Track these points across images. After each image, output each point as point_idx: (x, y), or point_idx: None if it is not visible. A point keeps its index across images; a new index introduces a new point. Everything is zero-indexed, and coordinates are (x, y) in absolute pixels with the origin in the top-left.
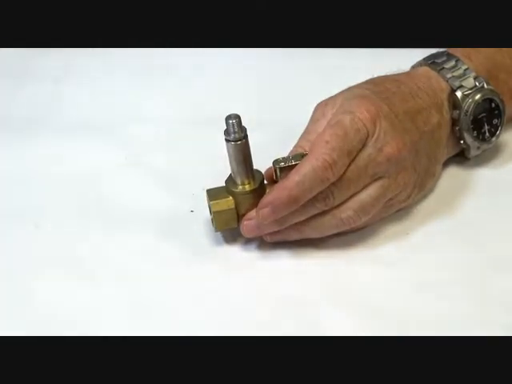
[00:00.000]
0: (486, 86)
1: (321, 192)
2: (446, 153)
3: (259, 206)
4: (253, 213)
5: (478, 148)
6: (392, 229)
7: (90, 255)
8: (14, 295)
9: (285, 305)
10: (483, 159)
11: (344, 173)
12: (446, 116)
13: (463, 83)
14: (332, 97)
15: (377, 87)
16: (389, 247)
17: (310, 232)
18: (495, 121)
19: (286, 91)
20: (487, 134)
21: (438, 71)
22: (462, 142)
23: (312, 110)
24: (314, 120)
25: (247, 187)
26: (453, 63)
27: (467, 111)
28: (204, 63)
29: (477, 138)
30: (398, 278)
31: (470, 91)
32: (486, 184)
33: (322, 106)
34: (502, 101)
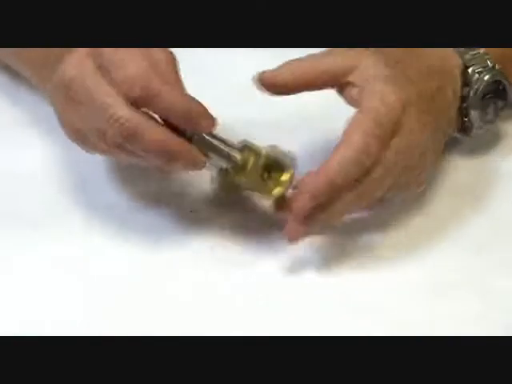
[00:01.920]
0: (497, 66)
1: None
2: (449, 133)
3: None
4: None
5: (481, 128)
6: (392, 228)
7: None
8: None
9: (284, 305)
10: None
11: (386, 164)
12: (457, 93)
13: (476, 61)
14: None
15: (404, 64)
16: (389, 247)
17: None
18: (500, 103)
19: None
20: (491, 114)
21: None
22: (466, 119)
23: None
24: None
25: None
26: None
27: (477, 89)
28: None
29: (481, 117)
30: (398, 278)
31: (482, 69)
32: (485, 183)
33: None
34: (510, 83)
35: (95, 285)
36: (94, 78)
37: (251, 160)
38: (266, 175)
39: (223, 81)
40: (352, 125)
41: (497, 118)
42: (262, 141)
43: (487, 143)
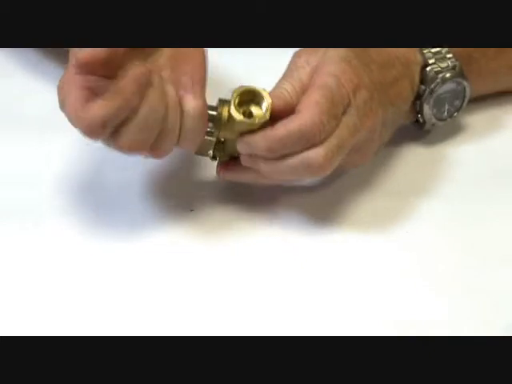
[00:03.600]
0: (457, 67)
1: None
2: (401, 122)
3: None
4: None
5: (433, 125)
6: (391, 227)
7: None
8: None
9: (284, 305)
10: (481, 158)
11: (338, 143)
12: (414, 89)
13: (437, 60)
14: (316, 49)
15: (364, 53)
16: (388, 247)
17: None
18: (457, 102)
19: None
20: (446, 113)
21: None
22: (419, 115)
23: None
24: (297, 66)
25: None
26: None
27: (433, 89)
28: None
29: (434, 116)
30: (398, 278)
31: (440, 69)
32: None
33: (306, 54)
34: (469, 84)
35: (95, 284)
36: None
37: (226, 107)
38: (246, 112)
39: (224, 81)
40: (306, 101)
41: (454, 115)
42: None
43: (447, 133)
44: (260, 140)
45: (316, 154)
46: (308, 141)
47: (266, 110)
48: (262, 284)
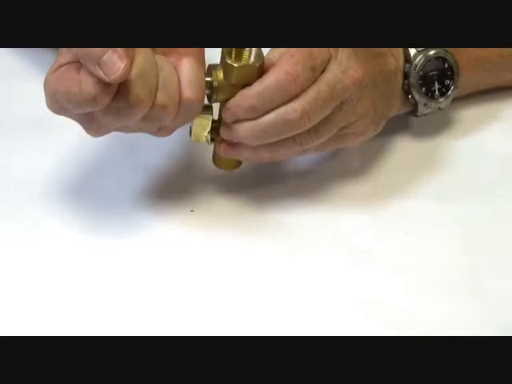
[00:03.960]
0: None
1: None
2: (397, 105)
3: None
4: None
5: (426, 105)
6: (391, 228)
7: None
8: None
9: (284, 305)
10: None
11: (316, 96)
12: (401, 66)
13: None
14: None
15: None
16: (388, 247)
17: (265, 151)
18: (447, 81)
19: None
20: (437, 92)
21: None
22: (410, 96)
23: None
24: None
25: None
26: None
27: (416, 65)
28: None
29: (425, 94)
30: (398, 278)
31: (423, 48)
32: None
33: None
34: (456, 62)
35: (95, 284)
36: None
37: (219, 68)
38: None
39: None
40: (283, 56)
41: (443, 98)
42: None
43: (439, 126)
44: (240, 100)
45: (292, 107)
46: (285, 93)
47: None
48: (261, 284)
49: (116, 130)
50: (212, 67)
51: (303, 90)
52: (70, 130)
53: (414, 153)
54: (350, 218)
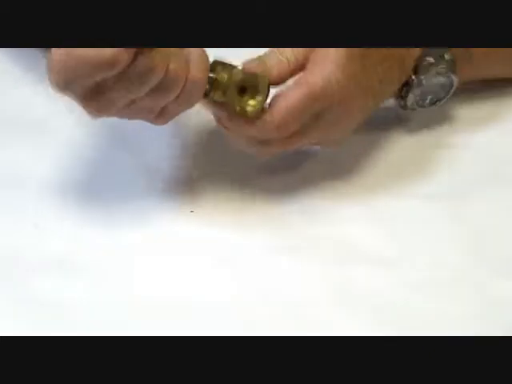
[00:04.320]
0: (451, 61)
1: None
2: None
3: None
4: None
5: (414, 109)
6: (391, 228)
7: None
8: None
9: (284, 305)
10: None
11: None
12: (404, 74)
13: (434, 54)
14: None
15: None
16: (388, 247)
17: None
18: (442, 94)
19: None
20: (428, 101)
21: None
22: (401, 99)
23: None
24: None
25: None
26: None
27: (422, 81)
28: None
29: (417, 102)
30: (398, 278)
31: (434, 62)
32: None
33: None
34: (456, 79)
35: (95, 284)
36: None
37: (225, 75)
38: (242, 95)
39: None
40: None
41: (436, 104)
42: None
43: (434, 121)
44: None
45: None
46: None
47: (260, 101)
48: (261, 285)
49: (118, 113)
50: (217, 64)
51: None
52: (68, 132)
53: (410, 148)
54: (347, 216)
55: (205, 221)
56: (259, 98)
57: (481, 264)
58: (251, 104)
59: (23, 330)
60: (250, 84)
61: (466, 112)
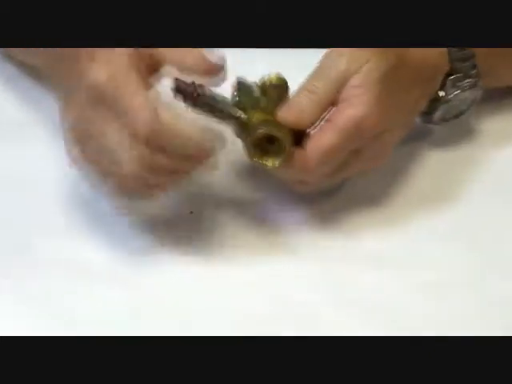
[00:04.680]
0: (478, 81)
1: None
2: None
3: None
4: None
5: (437, 124)
6: (392, 229)
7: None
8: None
9: (285, 305)
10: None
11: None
12: (435, 91)
13: (463, 70)
14: (359, 54)
15: (397, 71)
16: (389, 247)
17: None
18: (464, 107)
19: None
20: (452, 115)
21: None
22: (427, 117)
23: None
24: (338, 70)
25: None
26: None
27: (450, 96)
28: None
29: (443, 117)
30: (398, 277)
31: (461, 76)
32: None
33: (348, 56)
34: (481, 94)
35: (95, 285)
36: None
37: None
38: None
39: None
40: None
41: (458, 118)
42: None
43: (459, 134)
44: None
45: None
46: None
47: (280, 162)
48: (262, 285)
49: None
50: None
51: None
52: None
53: (418, 156)
54: (349, 218)
55: (204, 222)
56: (278, 160)
57: (481, 264)
58: (269, 165)
59: (23, 330)
60: (270, 139)
61: (487, 124)
